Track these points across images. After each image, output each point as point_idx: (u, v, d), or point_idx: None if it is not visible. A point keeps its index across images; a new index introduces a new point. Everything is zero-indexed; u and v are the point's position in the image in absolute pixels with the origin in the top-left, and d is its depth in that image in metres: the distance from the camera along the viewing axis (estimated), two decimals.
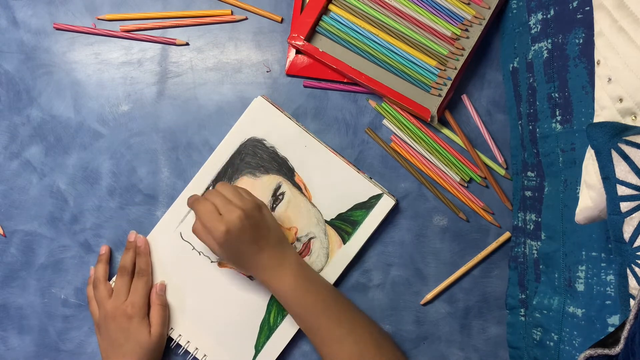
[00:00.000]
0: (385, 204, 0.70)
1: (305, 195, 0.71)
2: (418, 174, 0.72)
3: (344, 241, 0.70)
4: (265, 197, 0.71)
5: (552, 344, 0.58)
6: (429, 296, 0.71)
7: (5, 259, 0.73)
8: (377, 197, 0.70)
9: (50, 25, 0.74)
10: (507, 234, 0.71)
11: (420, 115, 0.70)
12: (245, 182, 0.71)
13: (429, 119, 0.70)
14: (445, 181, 0.72)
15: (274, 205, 0.71)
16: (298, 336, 0.71)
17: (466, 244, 0.72)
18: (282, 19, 0.73)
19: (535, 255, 0.64)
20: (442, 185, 0.72)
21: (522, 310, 0.67)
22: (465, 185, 0.72)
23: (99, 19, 0.74)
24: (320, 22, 0.71)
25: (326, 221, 0.71)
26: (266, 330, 0.70)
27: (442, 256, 0.72)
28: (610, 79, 0.46)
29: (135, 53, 0.74)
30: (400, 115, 0.72)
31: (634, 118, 0.45)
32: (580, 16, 0.55)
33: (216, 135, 0.73)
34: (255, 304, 0.70)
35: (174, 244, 0.71)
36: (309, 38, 0.71)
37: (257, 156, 0.71)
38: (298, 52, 0.72)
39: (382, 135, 0.73)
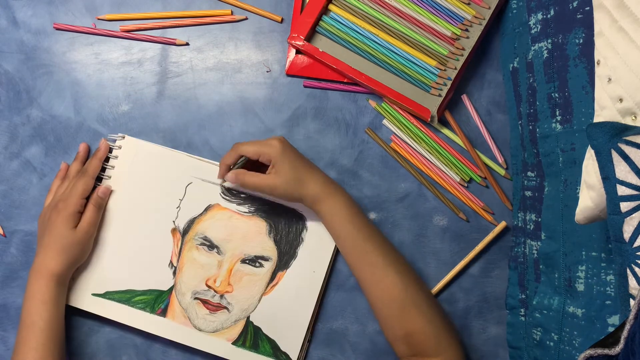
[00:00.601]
0: None
1: (267, 287, 0.70)
2: (418, 174, 0.72)
3: (235, 342, 0.69)
4: (251, 251, 0.70)
5: (552, 344, 0.58)
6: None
7: (5, 259, 0.73)
8: (284, 355, 0.70)
9: (50, 25, 0.74)
10: (503, 223, 0.71)
11: (420, 115, 0.70)
12: (260, 225, 0.71)
13: (429, 119, 0.70)
14: (445, 181, 0.72)
15: (247, 261, 0.70)
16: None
17: (466, 244, 0.72)
18: (282, 19, 0.73)
19: (535, 255, 0.64)
20: (442, 185, 0.72)
21: (522, 310, 0.67)
22: (465, 185, 0.72)
23: (99, 19, 0.74)
24: (320, 22, 0.71)
25: (248, 317, 0.70)
26: (128, 296, 0.70)
27: (442, 256, 0.72)
28: (610, 79, 0.46)
29: (135, 53, 0.74)
30: (400, 115, 0.72)
31: (634, 118, 0.45)
32: (580, 16, 0.55)
33: (216, 135, 0.73)
34: (146, 278, 0.70)
35: (175, 178, 0.71)
36: (309, 38, 0.71)
37: (287, 227, 0.71)
38: (298, 52, 0.72)
39: (382, 135, 0.73)
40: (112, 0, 0.74)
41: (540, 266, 0.62)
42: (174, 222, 0.71)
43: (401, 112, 0.72)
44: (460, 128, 0.72)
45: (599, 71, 0.48)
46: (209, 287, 0.70)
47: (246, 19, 0.74)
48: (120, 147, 0.71)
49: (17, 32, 0.73)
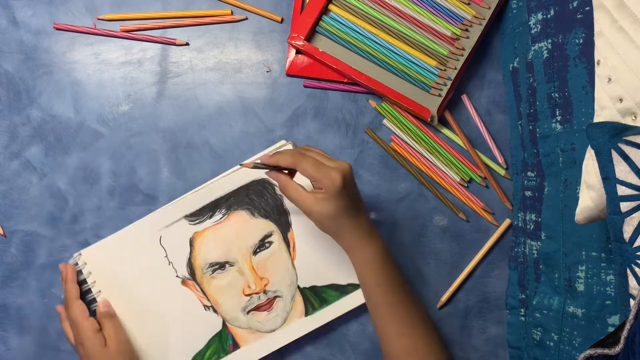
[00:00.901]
0: (359, 297, 0.69)
1: (290, 253, 0.70)
2: (418, 174, 0.72)
3: (306, 313, 0.70)
4: (254, 239, 0.70)
5: (552, 344, 0.58)
6: (444, 298, 0.71)
7: (5, 259, 0.73)
8: (355, 286, 0.69)
9: (50, 25, 0.74)
10: (507, 221, 0.71)
11: (420, 115, 0.70)
12: (241, 216, 0.70)
13: (429, 119, 0.70)
14: (445, 181, 0.72)
15: (258, 250, 0.70)
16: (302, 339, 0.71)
17: (466, 244, 0.72)
18: (282, 19, 0.73)
19: (535, 255, 0.64)
20: (442, 185, 0.72)
21: (522, 310, 0.67)
22: (465, 185, 0.72)
23: (99, 19, 0.74)
24: (320, 22, 0.71)
25: (299, 287, 0.70)
26: None
27: (442, 256, 0.72)
28: (610, 79, 0.46)
29: (135, 53, 0.74)
30: (400, 115, 0.72)
31: (634, 118, 0.45)
32: (580, 16, 0.55)
33: (216, 135, 0.73)
34: (200, 333, 0.70)
35: (147, 245, 0.70)
36: (309, 38, 0.71)
37: (262, 197, 0.70)
38: (298, 52, 0.72)
39: (382, 135, 0.73)
40: (112, 0, 0.74)
41: (540, 266, 0.62)
42: (177, 276, 0.70)
43: (401, 112, 0.72)
44: (460, 128, 0.72)
45: (599, 71, 0.48)
46: (249, 295, 0.69)
47: (246, 19, 0.74)
48: (85, 264, 0.70)
49: (17, 32, 0.73)
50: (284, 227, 0.70)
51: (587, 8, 0.54)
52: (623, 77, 0.45)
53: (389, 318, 0.63)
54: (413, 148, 0.72)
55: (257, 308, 0.69)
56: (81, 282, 0.70)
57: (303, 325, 0.70)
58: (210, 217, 0.70)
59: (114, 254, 0.70)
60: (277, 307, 0.70)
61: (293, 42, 0.70)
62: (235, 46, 0.74)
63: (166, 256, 0.70)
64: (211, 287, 0.70)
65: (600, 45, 0.48)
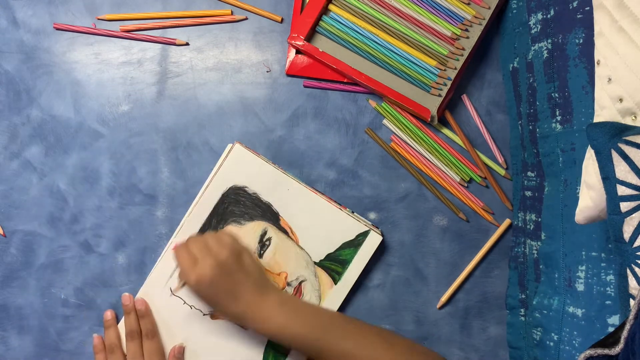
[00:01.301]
0: (373, 241, 0.69)
1: (292, 238, 0.70)
2: (418, 174, 0.72)
3: (335, 281, 0.70)
4: (252, 244, 0.70)
5: (552, 344, 0.58)
6: (444, 298, 0.71)
7: (5, 259, 0.73)
8: (364, 234, 0.70)
9: (50, 25, 0.74)
10: (507, 221, 0.71)
11: (420, 115, 0.70)
12: (231, 230, 0.70)
13: (429, 119, 0.70)
14: (445, 181, 0.72)
15: (262, 252, 0.70)
16: None
17: (466, 244, 0.72)
18: (282, 19, 0.73)
19: (535, 255, 0.64)
20: (442, 185, 0.72)
21: (522, 310, 0.67)
22: (465, 185, 0.72)
23: (99, 19, 0.74)
24: (320, 22, 0.71)
25: (315, 263, 0.70)
26: None
27: (442, 256, 0.72)
28: (610, 79, 0.46)
29: (135, 53, 0.74)
30: (400, 115, 0.72)
31: (634, 118, 0.45)
32: (580, 16, 0.55)
33: (216, 135, 0.73)
34: (251, 355, 0.69)
35: (164, 301, 0.70)
36: (309, 38, 0.71)
37: (240, 204, 0.70)
38: (298, 52, 0.72)
39: (382, 135, 0.73)
40: (112, 0, 0.74)
41: (540, 266, 0.62)
42: (204, 314, 0.70)
43: (401, 112, 0.72)
44: (460, 128, 0.72)
45: (599, 71, 0.48)
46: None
47: (246, 19, 0.74)
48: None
49: (17, 32, 0.73)
50: (273, 219, 0.70)
51: (587, 8, 0.54)
52: (623, 77, 0.45)
53: (337, 357, 0.61)
54: (413, 148, 0.72)
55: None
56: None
57: (337, 293, 0.70)
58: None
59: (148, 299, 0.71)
60: (307, 291, 0.70)
61: (293, 42, 0.70)
62: (235, 46, 0.74)
63: (185, 303, 0.70)
64: None
65: (600, 45, 0.48)
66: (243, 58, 0.74)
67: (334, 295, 0.70)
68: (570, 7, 0.56)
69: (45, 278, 0.72)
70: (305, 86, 0.73)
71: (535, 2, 0.61)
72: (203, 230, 0.70)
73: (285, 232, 0.70)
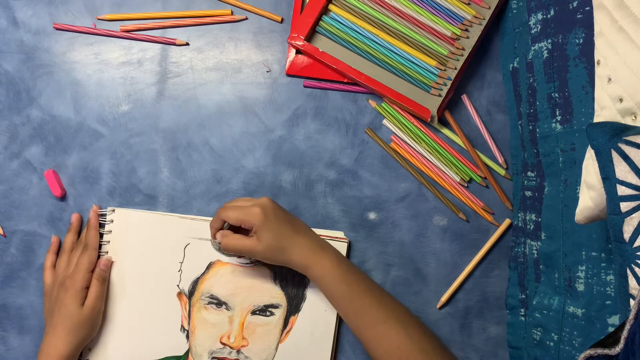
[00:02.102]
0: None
1: (282, 334, 0.70)
2: (418, 174, 0.72)
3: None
4: (260, 301, 0.70)
5: (552, 344, 0.58)
6: (444, 298, 0.71)
7: (5, 259, 0.73)
8: (275, 306, 0.70)
9: (50, 25, 0.74)
10: (507, 221, 0.71)
11: (420, 115, 0.70)
12: (264, 273, 0.70)
13: (429, 119, 0.70)
14: (445, 181, 0.72)
15: (257, 312, 0.70)
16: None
17: (466, 244, 0.72)
18: (282, 19, 0.73)
19: (535, 255, 0.64)
20: (442, 185, 0.72)
21: (522, 310, 0.67)
22: (465, 185, 0.72)
23: (99, 19, 0.74)
24: (320, 22, 0.71)
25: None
26: None
27: (442, 256, 0.72)
28: (610, 79, 0.46)
29: (135, 53, 0.74)
30: (400, 115, 0.72)
31: (634, 118, 0.45)
32: (580, 16, 0.55)
33: (216, 135, 0.73)
34: (161, 346, 0.69)
35: (172, 242, 0.70)
36: (309, 38, 0.71)
37: (290, 271, 0.69)
38: (298, 52, 0.72)
39: (382, 135, 0.73)
40: (112, 0, 0.74)
41: (540, 266, 0.62)
42: (178, 285, 0.70)
43: (401, 112, 0.72)
44: (460, 128, 0.72)
45: (599, 71, 0.48)
46: (224, 344, 0.69)
47: (246, 19, 0.74)
48: (112, 221, 0.71)
49: (17, 32, 0.73)
50: (293, 308, 0.70)
51: (587, 8, 0.54)
52: (623, 77, 0.45)
53: (366, 324, 0.63)
54: (413, 148, 0.72)
55: None
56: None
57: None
58: (239, 257, 0.70)
59: (141, 228, 0.71)
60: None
61: (293, 42, 0.70)
62: (235, 46, 0.74)
63: (181, 262, 0.70)
64: (198, 315, 0.70)
65: (600, 45, 0.48)
66: (243, 58, 0.74)
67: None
68: (570, 7, 0.56)
69: None
70: (305, 86, 0.73)
71: (535, 2, 0.61)
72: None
73: (285, 325, 0.70)
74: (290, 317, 0.70)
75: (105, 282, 0.69)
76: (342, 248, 0.70)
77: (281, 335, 0.70)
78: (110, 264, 0.70)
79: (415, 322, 0.66)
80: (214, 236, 0.66)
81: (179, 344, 0.70)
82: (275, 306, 0.70)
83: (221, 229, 0.66)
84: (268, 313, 0.70)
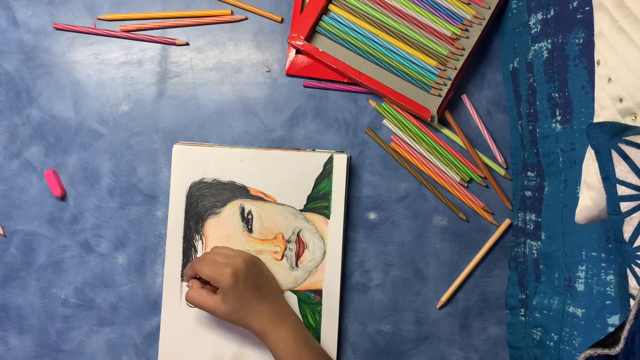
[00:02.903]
0: (341, 162, 0.70)
1: (269, 201, 0.71)
2: (418, 174, 0.72)
3: (327, 216, 0.70)
4: (238, 225, 0.70)
5: (552, 344, 0.58)
6: (444, 298, 0.71)
7: (5, 259, 0.73)
8: (329, 161, 0.70)
9: (50, 25, 0.74)
10: (507, 221, 0.71)
11: (420, 115, 0.70)
12: (212, 223, 0.71)
13: (429, 119, 0.70)
14: (445, 181, 0.72)
15: (249, 227, 0.70)
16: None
17: (466, 244, 0.72)
18: (282, 19, 0.73)
19: (535, 255, 0.64)
20: (442, 185, 0.72)
21: (522, 310, 0.67)
22: (465, 185, 0.72)
23: (99, 19, 0.74)
24: (320, 22, 0.71)
25: (301, 210, 0.71)
26: None
27: (442, 256, 0.72)
28: (610, 79, 0.46)
29: (135, 53, 0.74)
30: (400, 115, 0.72)
31: (634, 118, 0.45)
32: (580, 16, 0.55)
33: (216, 135, 0.73)
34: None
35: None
36: (309, 38, 0.71)
37: (207, 196, 0.71)
38: (298, 52, 0.72)
39: (382, 135, 0.73)
40: (112, 0, 0.74)
41: (540, 266, 0.62)
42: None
43: (401, 112, 0.72)
44: (460, 128, 0.72)
45: (599, 71, 0.48)
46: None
47: (246, 19, 0.74)
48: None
49: (17, 32, 0.73)
50: (243, 192, 0.71)
51: (587, 8, 0.54)
52: (623, 77, 0.45)
53: None
54: (413, 148, 0.72)
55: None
56: None
57: (335, 226, 0.70)
58: (196, 250, 0.71)
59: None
60: (307, 238, 0.71)
61: (293, 42, 0.70)
62: (235, 46, 0.74)
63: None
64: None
65: (600, 45, 0.48)
66: (243, 58, 0.74)
67: (334, 229, 0.70)
68: (570, 7, 0.56)
69: (45, 278, 0.72)
70: (305, 86, 0.73)
71: (535, 2, 0.61)
72: (187, 240, 0.71)
73: (260, 199, 0.71)
74: (251, 193, 0.71)
75: None
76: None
77: (269, 202, 0.71)
78: None
79: None
80: (187, 279, 0.67)
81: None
82: (242, 210, 0.71)
83: (196, 276, 0.67)
84: (249, 217, 0.70)
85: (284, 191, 0.70)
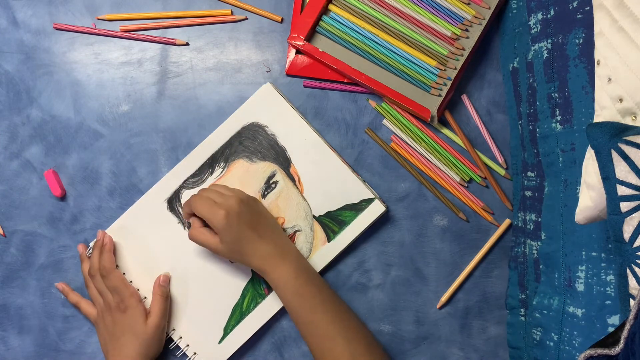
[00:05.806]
0: (375, 209, 0.70)
1: (297, 187, 0.71)
2: (418, 174, 0.72)
3: (329, 239, 0.70)
4: (259, 184, 0.71)
5: (552, 344, 0.58)
6: (444, 298, 0.71)
7: (5, 259, 0.73)
8: (368, 201, 0.70)
9: (50, 25, 0.74)
10: (507, 221, 0.71)
11: (420, 115, 0.70)
12: (241, 165, 0.71)
13: (429, 119, 0.70)
14: (445, 181, 0.72)
15: (266, 193, 0.71)
16: (298, 336, 0.71)
17: (466, 244, 0.72)
18: (282, 19, 0.73)
19: (535, 255, 0.64)
20: (442, 185, 0.72)
21: (522, 310, 0.67)
22: (465, 185, 0.72)
23: (99, 19, 0.74)
24: (320, 22, 0.71)
25: (314, 216, 0.71)
26: (238, 314, 0.70)
27: (442, 256, 0.72)
28: (610, 79, 0.46)
29: (135, 53, 0.74)
30: (400, 115, 0.72)
31: (634, 118, 0.45)
32: (580, 16, 0.55)
33: None
34: (231, 287, 0.70)
35: (158, 217, 0.71)
36: (309, 38, 0.71)
37: (256, 141, 0.71)
38: (298, 52, 0.72)
39: (382, 135, 0.73)
40: (112, 0, 0.74)
41: (540, 266, 0.62)
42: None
43: (401, 112, 0.72)
44: (460, 128, 0.72)
45: (599, 71, 0.48)
46: None
47: (246, 19, 0.74)
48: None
49: (17, 32, 0.73)
50: (284, 164, 0.71)
51: (587, 8, 0.54)
52: (623, 77, 0.45)
53: (314, 337, 0.64)
54: (413, 148, 0.72)
55: None
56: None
57: (328, 251, 0.70)
58: (211, 173, 0.71)
59: (129, 231, 0.71)
60: (299, 241, 0.70)
61: (293, 42, 0.70)
62: (235, 46, 0.74)
63: (180, 222, 0.71)
64: None
65: (600, 45, 0.48)
66: (243, 58, 0.74)
67: (325, 252, 0.70)
68: (570, 7, 0.56)
69: (45, 278, 0.72)
70: (305, 86, 0.73)
71: (535, 2, 0.61)
72: (214, 157, 0.71)
73: (292, 179, 0.71)
74: (290, 170, 0.71)
75: (168, 298, 0.69)
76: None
77: (298, 188, 0.71)
78: (168, 279, 0.70)
79: (363, 340, 0.65)
80: (186, 218, 0.67)
81: (241, 271, 0.71)
82: (272, 175, 0.71)
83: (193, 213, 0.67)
84: (273, 185, 0.71)
85: (315, 191, 0.71)
